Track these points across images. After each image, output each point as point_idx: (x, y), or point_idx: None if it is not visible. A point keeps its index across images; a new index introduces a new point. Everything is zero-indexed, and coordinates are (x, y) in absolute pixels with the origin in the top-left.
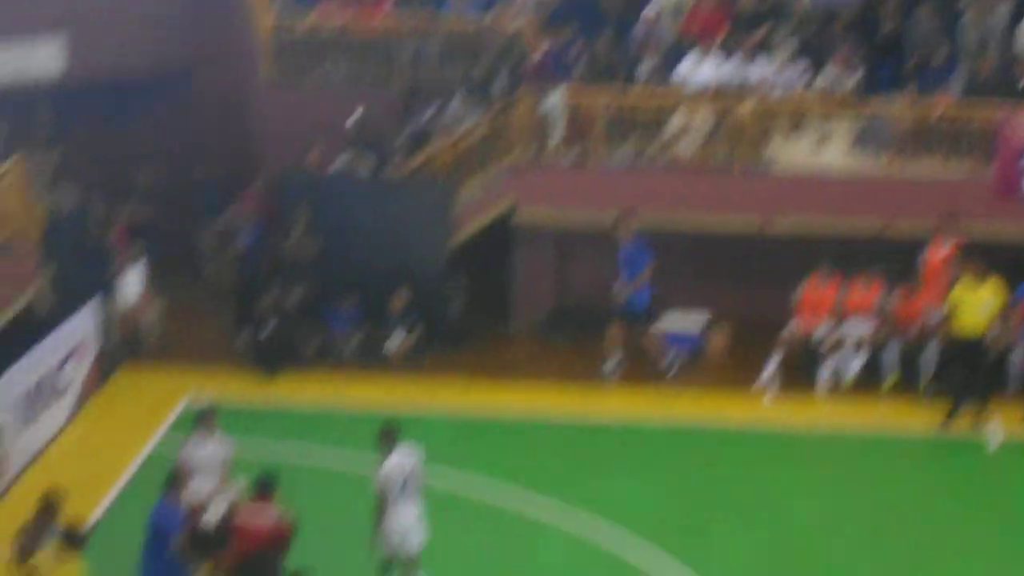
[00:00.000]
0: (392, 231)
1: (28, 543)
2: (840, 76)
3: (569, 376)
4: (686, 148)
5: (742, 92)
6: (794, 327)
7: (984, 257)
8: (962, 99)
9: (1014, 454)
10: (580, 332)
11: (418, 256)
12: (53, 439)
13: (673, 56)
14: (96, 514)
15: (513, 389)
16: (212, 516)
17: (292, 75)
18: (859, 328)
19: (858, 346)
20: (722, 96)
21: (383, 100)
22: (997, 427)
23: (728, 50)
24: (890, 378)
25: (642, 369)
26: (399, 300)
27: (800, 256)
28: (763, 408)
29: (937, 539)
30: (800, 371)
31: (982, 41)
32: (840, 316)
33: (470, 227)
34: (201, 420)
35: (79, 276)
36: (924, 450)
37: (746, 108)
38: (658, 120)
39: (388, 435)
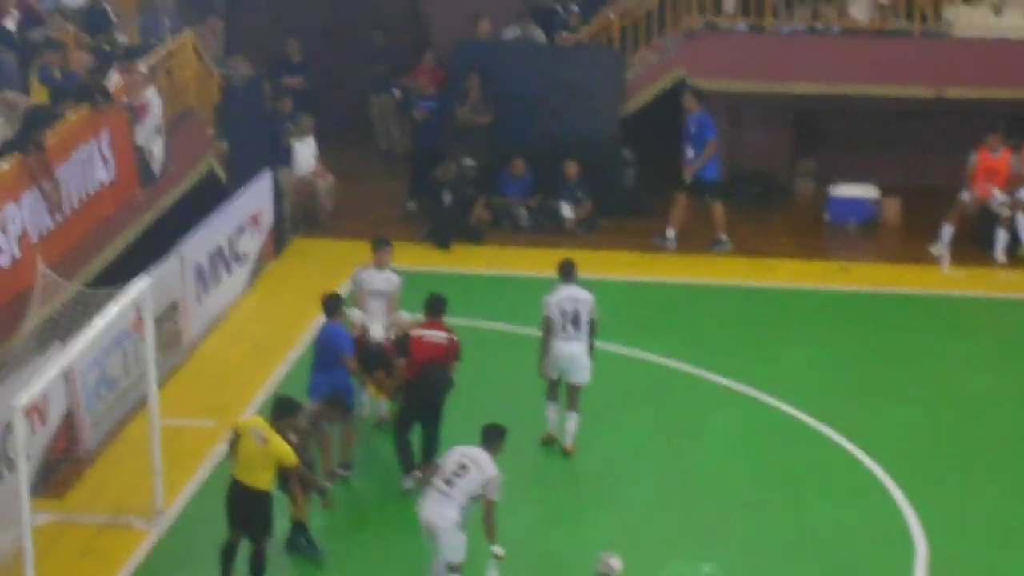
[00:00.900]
0: (565, 99)
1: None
2: None
3: (739, 243)
4: (862, 12)
5: None
6: (968, 195)
7: None
8: None
9: None
10: (752, 199)
11: (590, 124)
12: (230, 307)
13: None
14: (274, 380)
15: (685, 256)
16: (376, 334)
17: None
18: None
19: None
20: None
21: None
22: None
23: None
24: None
25: (814, 239)
26: (572, 168)
27: (972, 124)
28: (939, 276)
29: None
30: (975, 239)
31: None
32: (1015, 183)
33: (643, 95)
34: (377, 249)
35: (254, 147)
36: None
37: None
38: None
39: (566, 268)
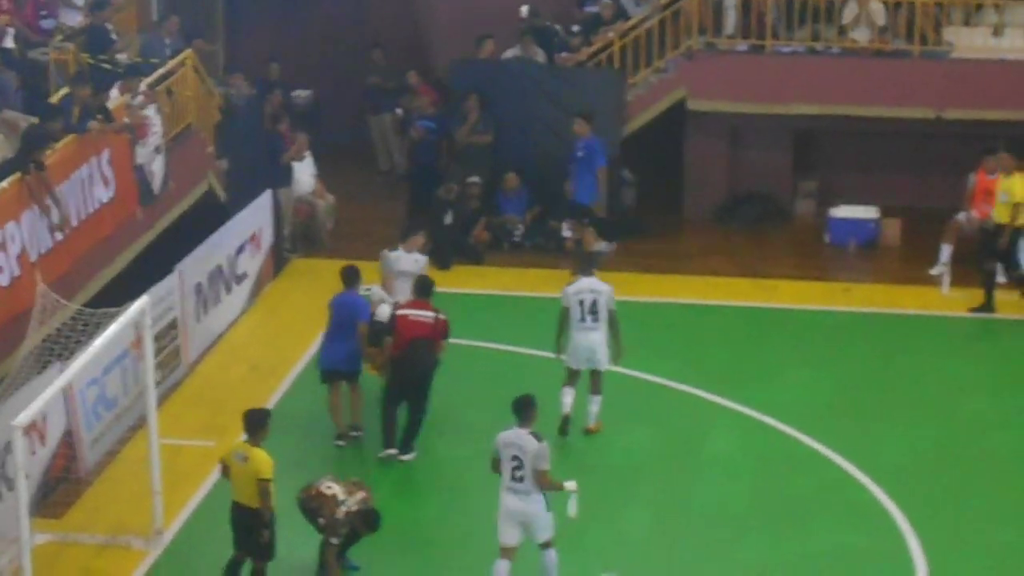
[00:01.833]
0: (565, 119)
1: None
2: None
3: (740, 264)
4: (862, 35)
5: None
6: (965, 216)
7: None
8: None
9: None
10: (752, 220)
11: None
12: (230, 327)
13: None
14: (273, 400)
15: (685, 277)
16: (382, 314)
17: None
18: None
19: None
20: None
21: None
22: None
23: None
24: None
25: (815, 259)
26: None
27: (971, 145)
28: (939, 297)
29: None
30: (975, 261)
31: None
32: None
33: (643, 115)
34: (409, 234)
35: (254, 166)
36: None
37: None
38: (833, 6)
39: (587, 260)
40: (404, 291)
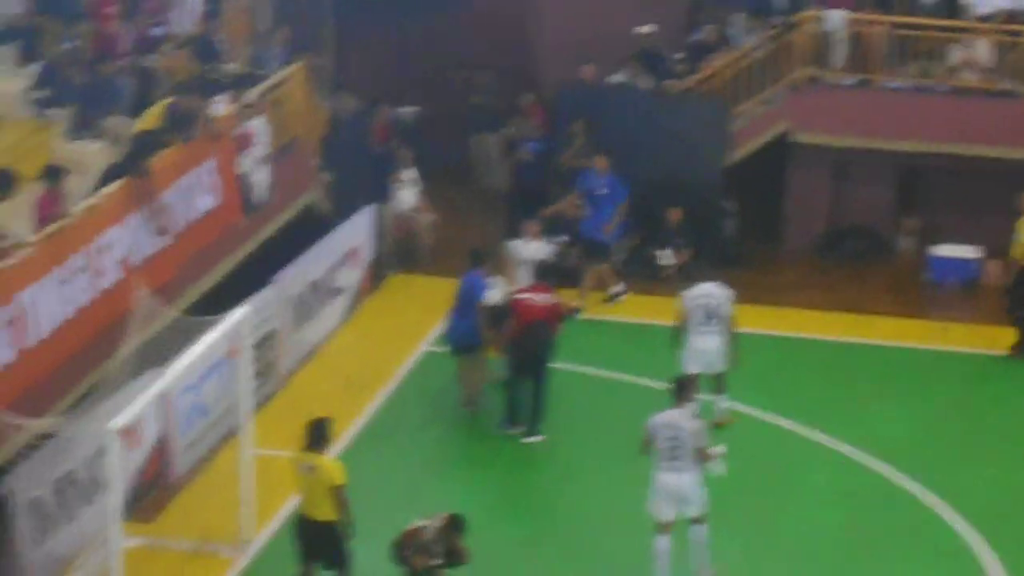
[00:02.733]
0: (668, 146)
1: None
2: None
3: (838, 298)
4: (970, 74)
5: None
6: None
7: None
8: None
9: None
10: (854, 255)
11: (693, 172)
12: (326, 340)
13: None
14: (366, 414)
15: (782, 309)
16: (495, 296)
17: None
18: None
19: None
20: (1015, 19)
21: (665, 14)
22: None
23: None
24: None
25: (914, 297)
26: (674, 215)
27: None
28: None
29: None
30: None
31: None
32: None
33: (747, 146)
34: (531, 224)
35: (357, 181)
36: None
37: None
38: (942, 47)
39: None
40: (526, 279)
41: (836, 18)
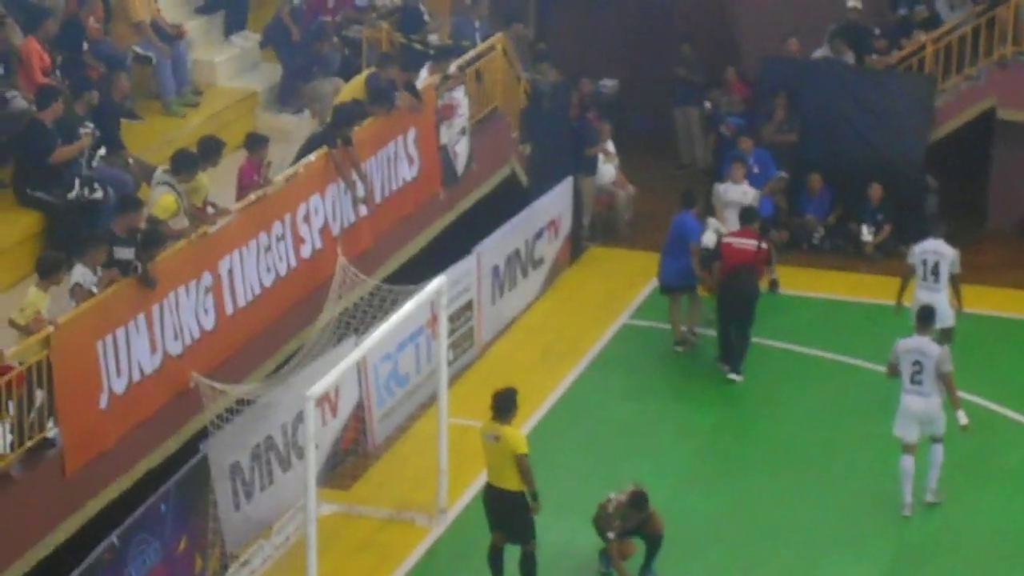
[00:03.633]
0: (872, 122)
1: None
2: None
3: None
4: None
5: None
6: None
7: None
8: None
9: None
10: None
11: (896, 149)
12: (524, 311)
13: None
14: (563, 386)
15: (985, 288)
16: (708, 239)
17: None
18: None
19: None
20: None
21: None
22: None
23: None
24: None
25: None
26: (877, 191)
27: None
28: None
29: None
30: None
31: None
32: None
33: (951, 123)
34: (733, 164)
35: (556, 153)
36: None
37: None
38: None
39: (934, 222)
40: (732, 220)
41: None
